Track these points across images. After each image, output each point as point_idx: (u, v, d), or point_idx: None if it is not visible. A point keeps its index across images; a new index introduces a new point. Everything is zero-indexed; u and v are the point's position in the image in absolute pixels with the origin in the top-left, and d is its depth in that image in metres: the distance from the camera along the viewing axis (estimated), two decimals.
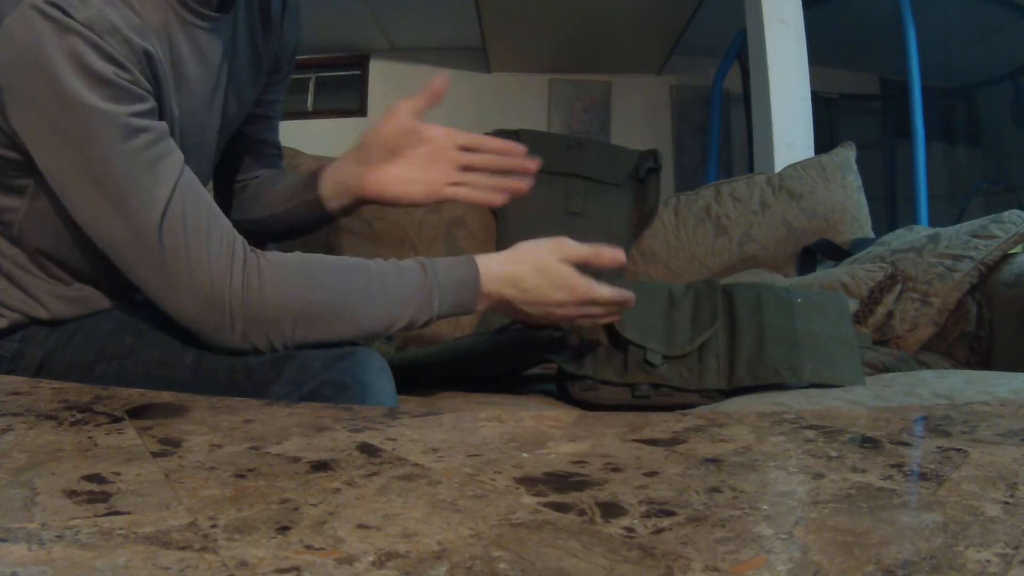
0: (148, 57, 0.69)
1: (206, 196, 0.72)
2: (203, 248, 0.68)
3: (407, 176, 0.84)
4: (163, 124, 0.70)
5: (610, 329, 1.02)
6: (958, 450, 0.47)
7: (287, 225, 0.98)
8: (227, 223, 0.72)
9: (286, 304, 0.70)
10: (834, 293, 1.27)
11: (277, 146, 1.04)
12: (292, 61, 0.98)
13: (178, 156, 0.70)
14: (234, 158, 1.00)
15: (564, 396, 1.05)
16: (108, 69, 0.64)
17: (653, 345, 1.00)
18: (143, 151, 0.67)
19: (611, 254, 0.81)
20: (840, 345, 1.02)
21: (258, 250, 0.72)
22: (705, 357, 1.00)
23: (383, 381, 0.73)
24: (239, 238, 0.72)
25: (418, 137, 0.84)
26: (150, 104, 0.69)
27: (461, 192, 0.85)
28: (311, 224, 0.96)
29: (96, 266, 0.79)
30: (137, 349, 0.76)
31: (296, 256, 0.73)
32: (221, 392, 0.70)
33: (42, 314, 0.79)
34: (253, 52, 0.89)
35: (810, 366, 0.98)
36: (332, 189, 0.90)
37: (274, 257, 0.72)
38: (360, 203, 0.90)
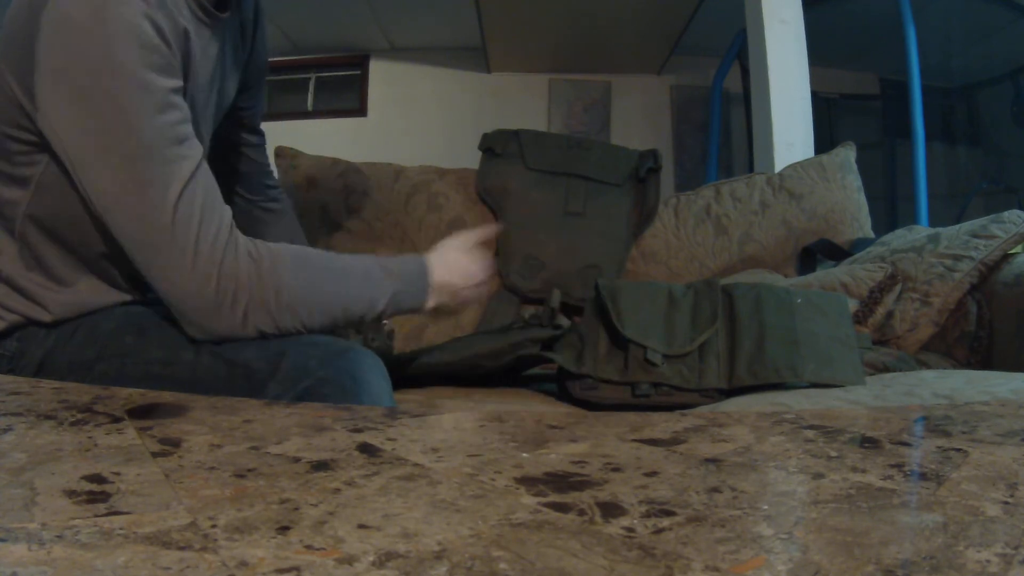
0: (186, 36, 0.71)
1: (215, 183, 0.74)
2: (214, 230, 0.70)
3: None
4: (187, 107, 0.71)
5: (610, 328, 1.02)
6: (958, 450, 0.47)
7: None
8: (230, 212, 0.74)
9: (281, 288, 0.74)
10: (834, 293, 1.27)
11: (270, 174, 1.12)
12: (262, 81, 1.04)
13: (197, 141, 0.72)
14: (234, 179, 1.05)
15: (564, 396, 1.05)
16: (157, 41, 0.66)
17: (653, 344, 1.00)
18: (173, 127, 0.68)
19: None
20: (840, 345, 1.02)
21: (254, 239, 0.75)
22: (705, 356, 1.00)
23: (378, 379, 0.74)
24: (236, 229, 0.75)
25: None
26: (182, 83, 0.70)
27: None
28: None
29: (98, 261, 0.79)
30: (138, 348, 0.76)
31: (284, 246, 0.77)
32: (220, 389, 0.71)
33: (43, 317, 0.79)
34: (236, 58, 0.92)
35: (810, 366, 0.98)
36: None
37: (270, 246, 0.76)
38: None
